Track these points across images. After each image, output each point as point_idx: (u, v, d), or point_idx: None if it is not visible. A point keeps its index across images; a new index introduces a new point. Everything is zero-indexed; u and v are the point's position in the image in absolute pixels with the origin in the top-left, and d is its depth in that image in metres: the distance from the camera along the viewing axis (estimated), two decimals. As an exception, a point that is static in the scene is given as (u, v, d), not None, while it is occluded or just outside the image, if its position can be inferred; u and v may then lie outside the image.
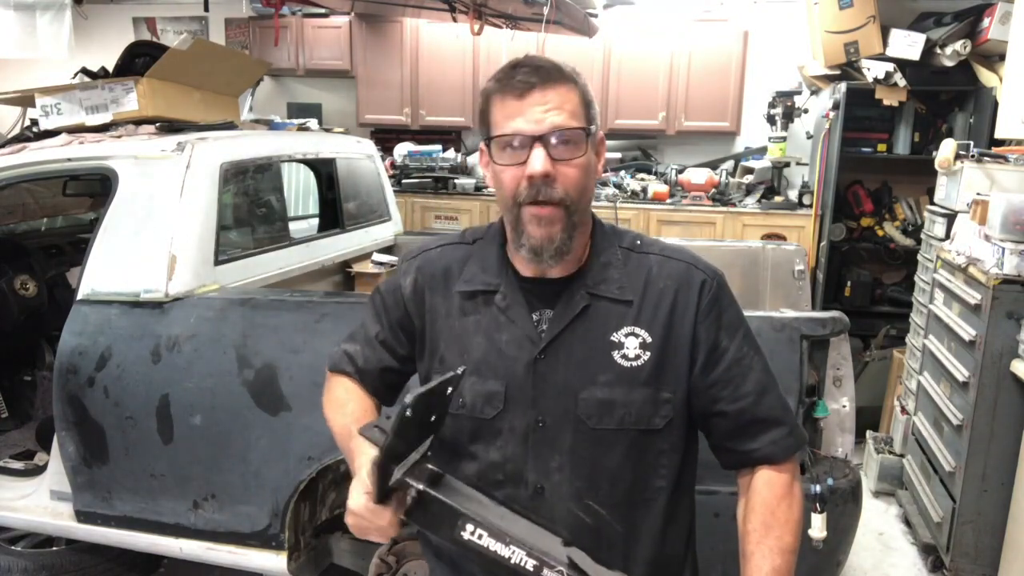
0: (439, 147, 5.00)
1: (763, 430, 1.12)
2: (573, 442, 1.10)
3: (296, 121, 3.63)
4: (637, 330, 1.11)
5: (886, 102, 3.89)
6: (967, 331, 2.56)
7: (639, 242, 1.19)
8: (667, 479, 1.14)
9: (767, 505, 1.10)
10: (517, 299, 1.13)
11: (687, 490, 1.20)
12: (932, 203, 3.25)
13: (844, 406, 1.88)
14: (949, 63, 3.72)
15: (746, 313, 1.20)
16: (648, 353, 1.10)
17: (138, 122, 2.56)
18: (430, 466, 0.98)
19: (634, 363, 1.10)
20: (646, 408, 1.10)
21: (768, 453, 1.12)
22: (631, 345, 1.10)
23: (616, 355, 1.10)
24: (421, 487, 0.95)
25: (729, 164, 4.85)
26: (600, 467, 1.10)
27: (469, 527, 0.94)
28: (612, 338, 1.10)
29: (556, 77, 1.06)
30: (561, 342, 1.11)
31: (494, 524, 0.93)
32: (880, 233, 4.28)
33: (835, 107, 3.92)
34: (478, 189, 4.79)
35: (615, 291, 1.12)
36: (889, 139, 4.19)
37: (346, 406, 1.21)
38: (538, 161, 1.03)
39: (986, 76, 3.66)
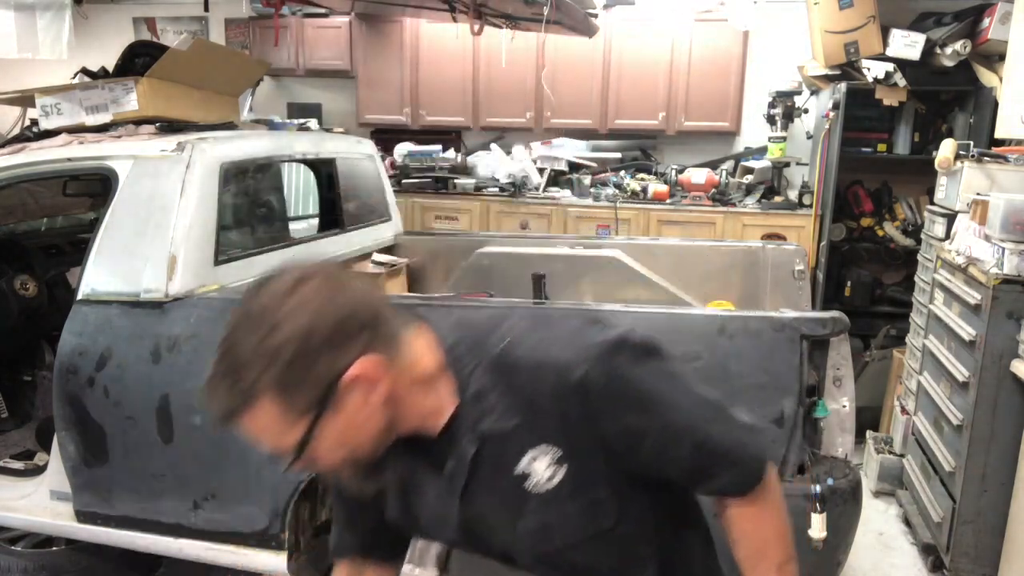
0: (439, 147, 4.99)
1: (716, 472, 1.04)
2: (541, 565, 1.08)
3: (296, 121, 3.63)
4: (542, 447, 0.99)
5: (886, 102, 3.88)
6: (967, 331, 2.56)
7: (507, 341, 1.02)
8: (652, 542, 1.09)
9: (747, 536, 1.08)
10: (414, 463, 1.07)
11: (683, 524, 1.16)
12: (932, 203, 3.25)
13: (844, 406, 1.88)
14: (949, 63, 3.72)
15: (746, 313, 1.17)
16: (564, 466, 0.99)
17: (138, 122, 2.55)
18: None
19: (550, 485, 1.00)
20: (585, 517, 1.02)
21: (728, 490, 1.06)
22: (539, 469, 1.00)
23: (528, 486, 1.00)
24: None
25: (729, 164, 4.84)
26: (578, 569, 1.07)
27: None
28: (516, 472, 1.00)
29: (237, 407, 0.90)
30: (475, 492, 1.03)
31: None
32: (880, 233, 4.27)
33: (835, 107, 3.91)
34: (478, 189, 4.78)
35: (495, 421, 1.00)
36: (889, 139, 4.19)
37: None
38: (300, 473, 1.00)
39: (986, 76, 3.65)
